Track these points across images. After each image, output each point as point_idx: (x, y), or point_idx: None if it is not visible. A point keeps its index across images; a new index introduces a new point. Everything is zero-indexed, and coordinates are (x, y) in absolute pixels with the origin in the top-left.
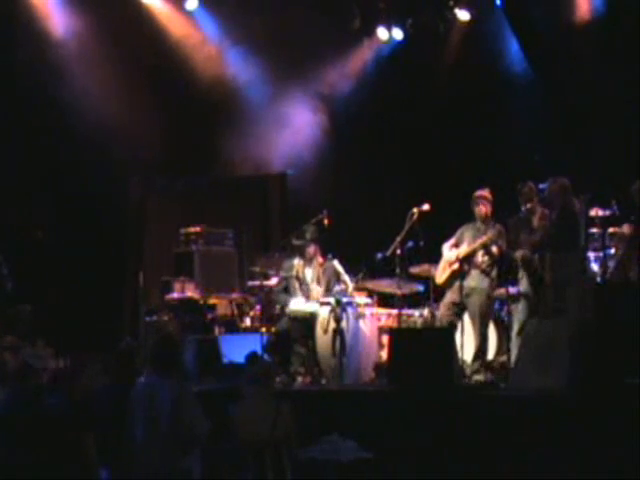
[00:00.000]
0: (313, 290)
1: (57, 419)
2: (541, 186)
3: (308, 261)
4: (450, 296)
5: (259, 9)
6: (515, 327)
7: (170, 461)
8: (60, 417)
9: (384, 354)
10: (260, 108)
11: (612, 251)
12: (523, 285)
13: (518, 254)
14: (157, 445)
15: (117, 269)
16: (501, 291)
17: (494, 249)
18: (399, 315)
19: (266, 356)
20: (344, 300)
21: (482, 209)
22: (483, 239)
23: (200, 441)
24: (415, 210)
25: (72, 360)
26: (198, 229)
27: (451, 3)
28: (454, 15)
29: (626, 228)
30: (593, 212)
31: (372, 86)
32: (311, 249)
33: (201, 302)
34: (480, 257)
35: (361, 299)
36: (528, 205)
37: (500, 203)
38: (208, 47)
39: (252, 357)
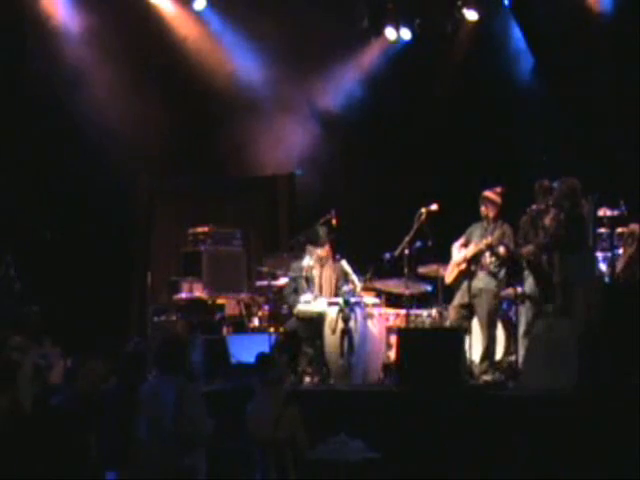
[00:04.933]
0: (322, 290)
1: (60, 418)
2: (553, 185)
3: (320, 261)
4: (458, 298)
5: (266, 9)
6: (521, 327)
7: (174, 460)
8: (63, 416)
9: (392, 354)
10: (268, 108)
11: (620, 251)
12: (528, 285)
13: (524, 251)
14: (162, 444)
15: (125, 269)
16: (508, 291)
17: (501, 249)
18: (407, 315)
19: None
20: (352, 300)
21: (483, 210)
22: (488, 239)
23: (204, 440)
24: (423, 210)
25: (74, 360)
26: (206, 229)
27: (459, 3)
28: (462, 15)
29: (634, 227)
30: (601, 212)
31: (380, 86)
32: (326, 249)
33: (209, 302)
34: (488, 258)
35: (369, 299)
36: (540, 205)
37: (508, 203)
38: (216, 47)
39: (264, 358)
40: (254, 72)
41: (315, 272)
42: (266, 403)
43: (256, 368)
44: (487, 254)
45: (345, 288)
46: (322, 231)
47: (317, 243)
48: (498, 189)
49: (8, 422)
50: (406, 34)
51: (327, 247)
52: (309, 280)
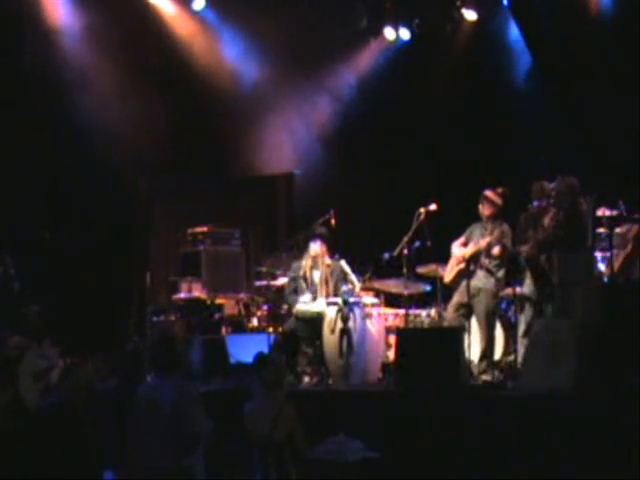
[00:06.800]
0: (320, 290)
1: (59, 418)
2: (551, 185)
3: (313, 260)
4: (457, 297)
5: (265, 9)
6: (521, 328)
7: (172, 461)
8: (62, 416)
9: (391, 354)
10: (267, 108)
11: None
12: (527, 286)
13: (523, 250)
14: (159, 445)
15: (124, 269)
16: (508, 291)
17: (495, 250)
18: (406, 315)
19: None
20: (351, 300)
21: (480, 209)
22: (486, 239)
23: (201, 440)
24: (422, 210)
25: (73, 360)
26: (205, 229)
27: (458, 3)
28: (461, 15)
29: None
30: (600, 212)
31: (379, 86)
32: (317, 245)
33: (208, 302)
34: (485, 257)
35: (368, 299)
36: (540, 204)
37: (506, 203)
38: (215, 47)
39: (263, 359)
40: (253, 72)
41: (315, 272)
42: (264, 403)
43: (254, 368)
44: (484, 254)
45: (344, 288)
46: (317, 228)
47: (309, 238)
48: (500, 189)
49: (9, 419)
50: (405, 34)
51: (319, 244)
52: (307, 280)
